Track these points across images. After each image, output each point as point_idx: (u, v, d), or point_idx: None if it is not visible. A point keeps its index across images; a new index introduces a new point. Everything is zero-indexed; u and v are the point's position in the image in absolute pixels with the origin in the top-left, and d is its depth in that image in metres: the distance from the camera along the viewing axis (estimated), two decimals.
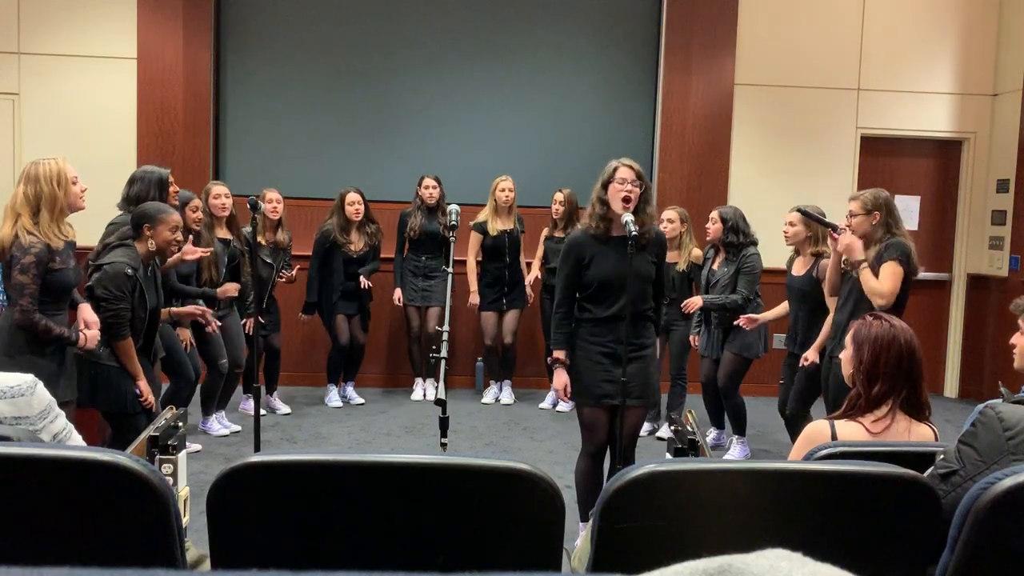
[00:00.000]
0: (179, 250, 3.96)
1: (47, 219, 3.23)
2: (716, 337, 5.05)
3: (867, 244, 3.88)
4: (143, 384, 3.50)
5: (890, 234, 3.84)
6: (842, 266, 3.96)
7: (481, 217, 6.04)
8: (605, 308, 3.37)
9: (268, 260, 5.46)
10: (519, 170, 6.38)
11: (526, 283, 6.08)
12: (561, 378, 3.45)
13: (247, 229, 5.08)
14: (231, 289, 4.90)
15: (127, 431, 3.34)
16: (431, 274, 6.04)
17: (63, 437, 2.09)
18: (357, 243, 5.83)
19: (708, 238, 5.05)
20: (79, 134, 6.23)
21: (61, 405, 2.17)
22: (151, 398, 3.53)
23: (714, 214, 5.03)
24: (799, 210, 4.41)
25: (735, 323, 4.84)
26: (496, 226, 5.99)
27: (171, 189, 4.22)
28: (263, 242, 5.46)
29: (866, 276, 3.77)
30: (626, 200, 3.28)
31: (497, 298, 6.06)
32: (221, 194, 5.07)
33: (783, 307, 4.81)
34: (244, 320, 5.25)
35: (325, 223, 5.85)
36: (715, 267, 5.05)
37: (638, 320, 3.38)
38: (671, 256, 4.76)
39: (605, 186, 3.34)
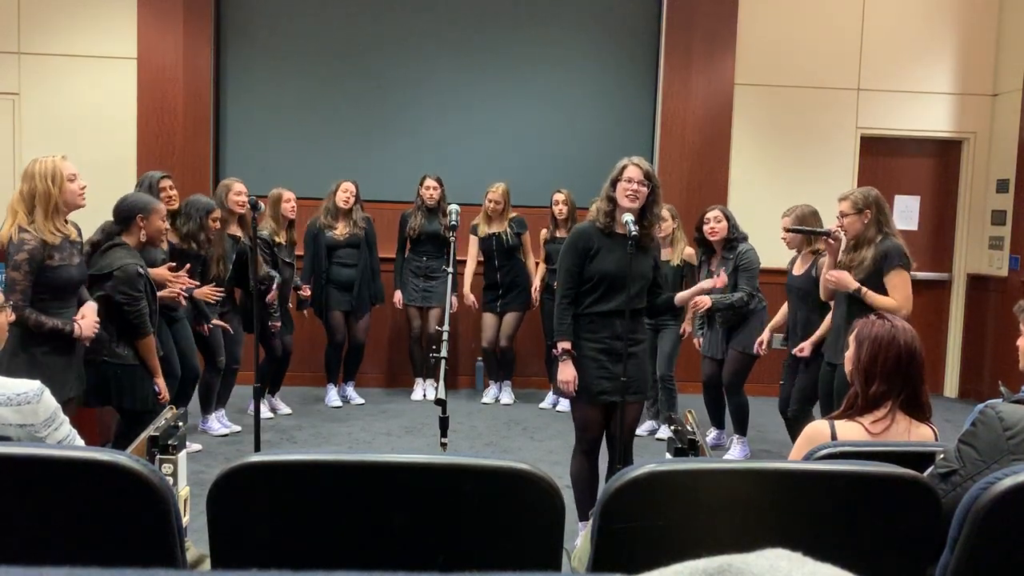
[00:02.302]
0: (166, 236, 4.06)
1: (42, 216, 3.25)
2: (719, 337, 5.04)
3: (860, 243, 3.89)
4: (160, 380, 3.61)
5: (882, 233, 3.85)
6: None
7: (476, 220, 6.07)
8: (604, 303, 3.37)
9: (288, 260, 5.49)
10: (519, 170, 6.37)
11: (534, 286, 6.04)
12: (570, 370, 3.35)
13: (264, 232, 5.19)
14: (207, 293, 4.80)
15: (143, 429, 3.37)
16: (432, 275, 6.04)
17: (67, 444, 2.09)
18: (342, 229, 5.82)
19: (715, 237, 4.95)
20: (79, 134, 6.22)
21: (62, 403, 2.17)
22: (167, 394, 3.64)
23: (716, 213, 4.97)
24: (788, 229, 4.46)
25: (749, 326, 4.87)
26: (485, 229, 6.03)
27: (163, 195, 4.30)
28: (282, 241, 5.49)
29: (873, 299, 3.77)
30: (631, 199, 3.29)
31: (493, 300, 6.09)
32: (243, 192, 5.11)
33: (783, 309, 4.81)
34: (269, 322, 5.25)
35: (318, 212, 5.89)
36: (712, 268, 5.04)
37: (634, 316, 3.38)
38: (664, 253, 4.78)
39: (614, 183, 3.35)
